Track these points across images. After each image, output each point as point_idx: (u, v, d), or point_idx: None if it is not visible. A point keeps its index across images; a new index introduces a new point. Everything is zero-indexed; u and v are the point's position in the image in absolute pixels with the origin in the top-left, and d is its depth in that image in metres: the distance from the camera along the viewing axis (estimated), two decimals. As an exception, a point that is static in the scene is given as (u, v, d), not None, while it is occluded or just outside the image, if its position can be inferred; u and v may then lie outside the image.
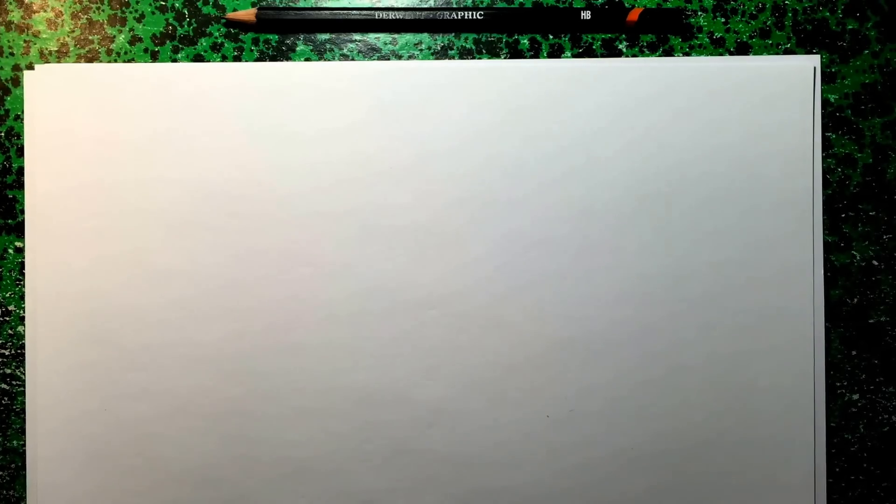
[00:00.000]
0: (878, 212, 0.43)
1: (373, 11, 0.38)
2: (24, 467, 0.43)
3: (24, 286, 0.43)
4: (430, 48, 0.44)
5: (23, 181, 0.43)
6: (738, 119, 0.42)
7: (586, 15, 0.34)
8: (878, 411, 0.43)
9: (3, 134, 0.44)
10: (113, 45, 0.44)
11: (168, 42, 0.44)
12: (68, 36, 0.44)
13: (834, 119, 0.43)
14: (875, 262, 0.43)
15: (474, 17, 0.36)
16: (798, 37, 0.43)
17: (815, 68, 0.42)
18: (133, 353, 0.42)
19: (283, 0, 0.44)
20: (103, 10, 0.44)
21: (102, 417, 0.42)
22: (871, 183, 0.43)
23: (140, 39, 0.44)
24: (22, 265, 0.43)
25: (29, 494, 0.42)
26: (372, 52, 0.44)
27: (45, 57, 0.44)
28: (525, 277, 0.42)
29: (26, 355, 0.43)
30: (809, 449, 0.42)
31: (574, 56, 0.43)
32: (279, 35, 0.44)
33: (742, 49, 0.43)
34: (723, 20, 0.43)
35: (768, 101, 0.42)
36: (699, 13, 0.43)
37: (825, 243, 0.43)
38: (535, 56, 0.43)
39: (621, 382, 0.42)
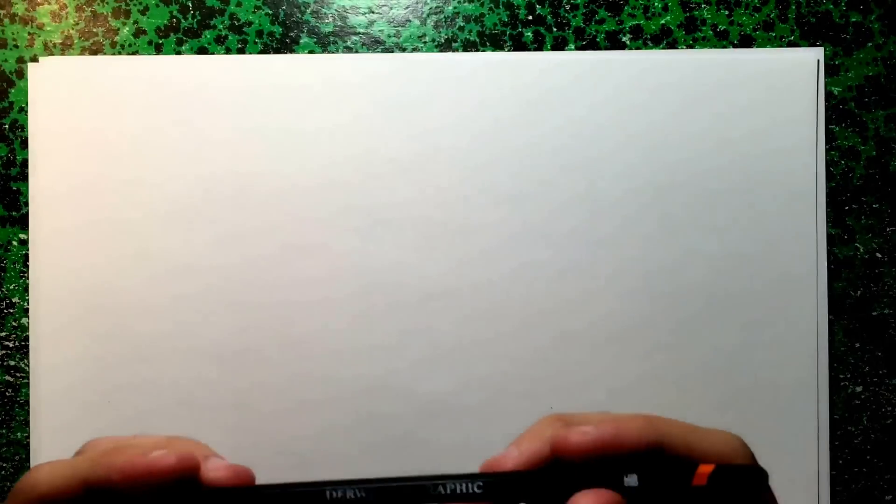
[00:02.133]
0: (881, 204, 0.43)
1: None
2: (27, 459, 0.43)
3: (27, 278, 0.43)
4: (433, 41, 0.44)
5: (26, 173, 0.43)
6: (742, 112, 0.42)
7: (631, 481, 0.22)
8: (881, 403, 0.43)
9: (7, 126, 0.44)
10: (117, 38, 0.44)
11: (172, 35, 0.44)
12: (72, 28, 0.44)
13: (837, 111, 0.43)
14: (878, 255, 0.43)
15: (472, 490, 0.24)
16: (801, 29, 0.43)
17: (818, 61, 0.42)
18: (136, 346, 0.42)
19: None
20: (107, 3, 0.44)
21: (105, 410, 0.42)
22: (875, 175, 0.43)
23: (144, 32, 0.44)
24: (26, 257, 0.43)
25: (33, 486, 0.42)
26: (376, 45, 0.44)
27: (49, 49, 0.44)
28: (529, 270, 0.42)
29: (30, 347, 0.43)
30: (813, 441, 0.42)
31: (578, 49, 0.43)
32: (283, 28, 0.44)
33: (746, 42, 0.43)
34: (726, 13, 0.43)
35: (772, 94, 0.42)
36: (703, 6, 0.43)
37: (828, 236, 0.43)
38: (539, 49, 0.43)
39: (625, 374, 0.42)
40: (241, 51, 0.44)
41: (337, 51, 0.44)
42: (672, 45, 0.43)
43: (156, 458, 0.22)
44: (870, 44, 0.43)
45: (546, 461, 0.23)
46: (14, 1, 0.44)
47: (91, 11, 0.44)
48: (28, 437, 0.43)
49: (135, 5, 0.44)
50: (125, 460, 0.22)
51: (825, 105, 0.43)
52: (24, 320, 0.43)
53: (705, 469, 0.22)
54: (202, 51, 0.44)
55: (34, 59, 0.43)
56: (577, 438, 0.22)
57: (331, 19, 0.44)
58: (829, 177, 0.43)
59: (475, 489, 0.23)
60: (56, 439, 0.42)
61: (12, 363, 0.43)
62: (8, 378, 0.43)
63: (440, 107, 0.42)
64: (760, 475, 0.22)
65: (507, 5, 0.44)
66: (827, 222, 0.43)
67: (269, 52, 0.44)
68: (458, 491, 0.23)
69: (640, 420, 0.23)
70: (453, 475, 0.23)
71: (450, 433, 0.42)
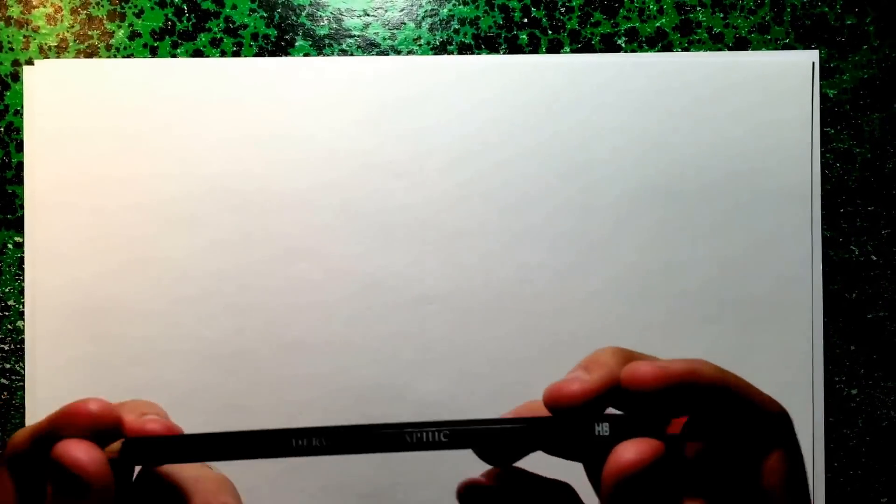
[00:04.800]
0: (876, 207, 0.43)
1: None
2: (23, 462, 0.43)
3: (23, 281, 0.43)
4: (429, 43, 0.44)
5: (22, 176, 0.43)
6: (737, 114, 0.42)
7: (602, 430, 0.21)
8: (876, 406, 0.43)
9: (2, 129, 0.44)
10: (112, 41, 0.44)
11: (167, 37, 0.44)
12: (68, 31, 0.44)
13: (833, 114, 0.43)
14: (874, 258, 0.43)
15: (438, 439, 0.22)
16: (797, 32, 0.43)
17: (813, 63, 0.42)
18: (132, 348, 0.42)
19: None
20: (102, 6, 0.44)
21: (102, 412, 0.42)
22: (870, 178, 0.43)
23: (139, 35, 0.44)
24: (21, 260, 0.43)
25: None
26: (371, 48, 0.44)
27: (44, 52, 0.44)
28: (524, 272, 0.42)
29: (26, 350, 0.43)
30: (808, 444, 0.42)
31: (573, 51, 0.43)
32: (278, 31, 0.44)
33: (741, 44, 0.43)
34: (721, 15, 0.43)
35: (767, 97, 0.42)
36: (698, 8, 0.43)
37: (824, 238, 0.43)
38: (534, 51, 0.43)
39: (620, 377, 0.42)
40: (236, 54, 0.44)
41: (332, 54, 0.44)
42: (667, 48, 0.43)
43: (80, 402, 0.24)
44: (865, 46, 0.43)
45: (608, 390, 0.22)
46: (9, 4, 0.44)
47: (86, 14, 0.44)
48: (24, 440, 0.43)
49: (130, 8, 0.44)
50: (67, 407, 0.24)
51: (820, 107, 0.43)
52: (19, 323, 0.43)
53: (679, 420, 0.22)
54: (197, 54, 0.44)
55: (29, 62, 0.43)
56: (647, 370, 0.21)
57: (326, 22, 0.44)
58: (825, 179, 0.43)
59: (441, 437, 0.22)
60: (52, 442, 0.42)
61: (8, 366, 0.43)
62: (4, 381, 0.43)
63: (435, 110, 0.42)
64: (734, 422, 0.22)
65: (502, 8, 0.44)
66: (822, 225, 0.43)
67: (264, 55, 0.44)
68: (425, 439, 0.22)
69: (710, 364, 0.22)
70: (420, 423, 0.22)
71: (445, 436, 0.42)
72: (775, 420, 0.23)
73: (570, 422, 0.22)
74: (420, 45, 0.44)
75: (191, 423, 0.42)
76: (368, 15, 0.44)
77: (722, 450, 0.22)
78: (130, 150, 0.43)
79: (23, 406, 0.43)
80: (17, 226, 0.43)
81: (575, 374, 0.23)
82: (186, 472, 0.26)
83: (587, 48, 0.43)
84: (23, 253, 0.43)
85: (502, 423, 0.22)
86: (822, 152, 0.43)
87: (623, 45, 0.43)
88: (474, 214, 0.42)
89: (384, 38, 0.44)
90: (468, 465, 0.43)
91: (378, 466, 0.42)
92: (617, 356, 0.23)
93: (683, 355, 0.42)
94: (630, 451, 0.21)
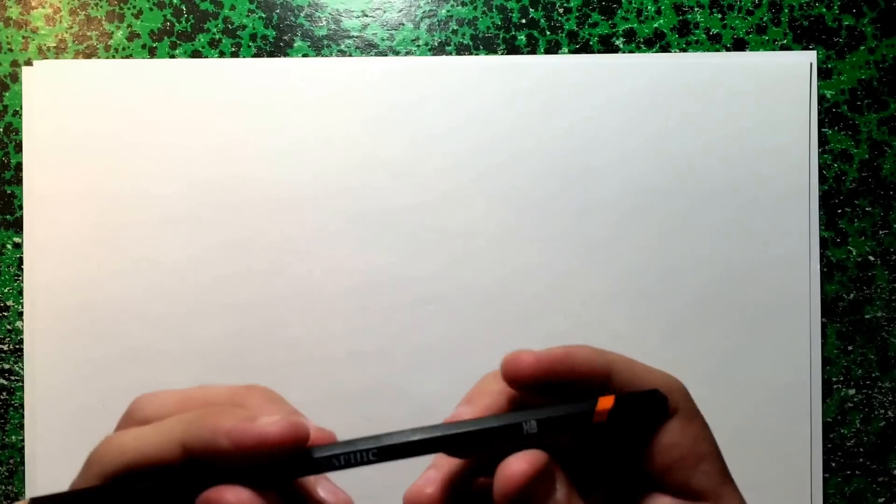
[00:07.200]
0: (873, 207, 0.43)
1: None
2: (22, 462, 0.43)
3: (22, 281, 0.43)
4: (427, 44, 0.44)
5: (21, 177, 0.43)
6: (735, 115, 0.42)
7: (530, 428, 0.21)
8: (873, 406, 0.43)
9: (1, 130, 0.44)
10: (111, 42, 0.44)
11: (166, 38, 0.44)
12: (66, 32, 0.44)
13: (830, 115, 0.43)
14: (871, 258, 0.43)
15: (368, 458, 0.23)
16: (794, 33, 0.43)
17: (811, 64, 0.43)
18: (131, 348, 0.42)
19: None
20: (101, 7, 0.44)
21: (101, 412, 0.42)
22: (867, 178, 0.43)
23: (138, 35, 0.44)
24: (20, 260, 0.43)
25: (27, 490, 0.43)
26: (369, 49, 0.44)
27: (43, 53, 0.44)
28: (522, 273, 0.42)
29: (25, 351, 0.43)
30: (805, 444, 0.42)
31: (571, 52, 0.43)
32: (276, 31, 0.44)
33: (739, 45, 0.43)
34: (719, 16, 0.43)
35: (765, 97, 0.42)
36: (696, 9, 0.43)
37: (821, 239, 0.43)
38: (533, 52, 0.43)
39: (618, 377, 0.42)
40: (234, 55, 0.44)
41: (331, 54, 0.44)
42: (665, 49, 0.43)
43: (267, 426, 0.19)
44: (862, 47, 0.43)
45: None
46: (8, 4, 0.44)
47: (85, 15, 0.44)
48: (23, 440, 0.43)
49: (128, 9, 0.44)
50: (234, 425, 0.19)
51: (818, 108, 0.43)
52: (18, 324, 0.43)
53: (605, 405, 0.22)
54: (196, 54, 0.44)
55: (28, 63, 0.43)
56: (527, 358, 0.22)
57: (324, 23, 0.44)
58: (822, 180, 0.43)
59: (370, 457, 0.23)
60: (51, 442, 0.43)
61: (7, 366, 0.43)
62: (3, 381, 0.43)
63: (433, 110, 0.43)
64: (659, 400, 0.22)
65: (500, 9, 0.44)
66: (820, 225, 0.43)
67: (262, 56, 0.44)
68: (354, 461, 0.23)
69: (589, 347, 0.23)
70: (347, 442, 0.23)
71: (443, 436, 0.42)
72: (668, 391, 0.23)
73: (497, 425, 0.22)
74: (418, 46, 0.44)
75: (190, 424, 0.42)
76: (367, 16, 0.44)
77: (616, 431, 0.22)
78: (129, 151, 0.43)
79: (22, 407, 0.43)
80: (17, 226, 0.43)
81: (458, 409, 0.23)
82: None
83: (585, 49, 0.43)
84: (22, 253, 0.43)
85: (431, 431, 0.22)
86: (819, 153, 0.43)
87: (621, 45, 0.43)
88: (473, 215, 0.42)
89: (382, 39, 0.44)
90: (466, 465, 0.42)
91: (378, 468, 0.42)
92: (499, 379, 0.23)
93: (682, 356, 0.42)
94: (512, 466, 0.20)
